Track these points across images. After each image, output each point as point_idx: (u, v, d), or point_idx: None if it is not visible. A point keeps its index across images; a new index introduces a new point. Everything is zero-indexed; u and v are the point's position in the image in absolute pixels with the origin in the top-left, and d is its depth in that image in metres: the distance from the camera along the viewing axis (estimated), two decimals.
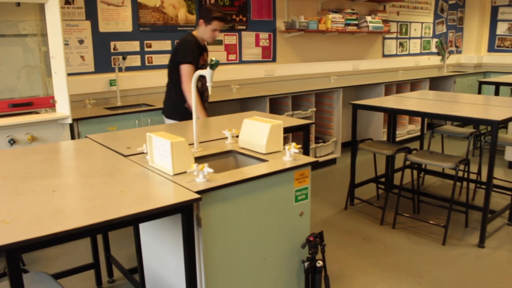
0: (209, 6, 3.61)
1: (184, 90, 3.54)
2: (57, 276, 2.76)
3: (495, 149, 3.34)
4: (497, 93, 6.16)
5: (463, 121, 4.25)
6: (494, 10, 8.70)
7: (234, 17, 5.31)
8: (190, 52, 3.49)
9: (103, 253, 3.03)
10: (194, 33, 3.61)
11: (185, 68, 3.48)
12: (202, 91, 3.64)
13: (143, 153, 2.31)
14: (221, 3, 5.17)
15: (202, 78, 3.58)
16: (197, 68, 3.50)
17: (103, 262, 3.02)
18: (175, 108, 3.67)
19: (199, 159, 2.29)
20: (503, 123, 3.39)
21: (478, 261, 3.25)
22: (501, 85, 6.21)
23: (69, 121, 3.47)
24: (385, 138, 6.15)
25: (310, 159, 2.23)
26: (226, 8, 5.20)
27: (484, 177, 4.55)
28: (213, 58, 2.21)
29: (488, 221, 3.51)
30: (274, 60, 5.81)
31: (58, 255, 3.36)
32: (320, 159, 5.57)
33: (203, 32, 3.56)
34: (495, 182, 4.47)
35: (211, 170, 1.90)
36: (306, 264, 2.23)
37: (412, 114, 4.09)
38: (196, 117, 2.40)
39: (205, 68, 3.53)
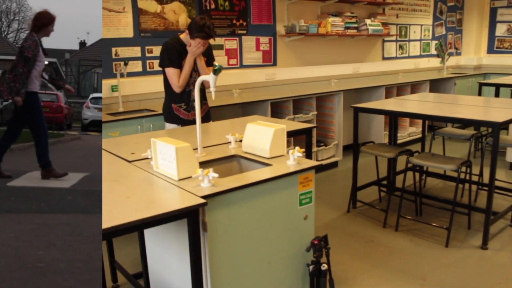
0: (197, 20, 3.43)
1: (175, 91, 3.60)
2: None
3: (497, 151, 3.35)
4: (497, 94, 6.18)
5: (464, 123, 4.27)
6: (493, 12, 8.73)
7: (234, 21, 5.33)
8: (168, 56, 3.54)
9: (107, 258, 3.03)
10: (182, 36, 3.59)
11: (168, 72, 3.56)
12: (188, 90, 3.63)
13: (147, 158, 2.32)
14: (221, 8, 5.18)
15: (189, 77, 3.61)
16: (181, 69, 3.55)
17: (107, 267, 3.03)
18: (166, 110, 3.70)
19: (203, 164, 2.30)
20: (504, 125, 3.40)
21: (481, 262, 3.26)
22: (501, 86, 6.23)
23: None
24: (386, 140, 6.16)
25: (314, 162, 2.24)
26: (226, 13, 5.22)
27: (486, 179, 4.56)
28: (217, 64, 2.23)
29: (491, 222, 3.51)
30: (274, 64, 5.83)
31: None
32: (322, 162, 5.58)
33: (188, 40, 3.54)
34: (497, 183, 4.47)
35: (216, 175, 1.91)
36: (311, 267, 2.23)
37: (413, 116, 4.11)
38: (199, 122, 2.41)
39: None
